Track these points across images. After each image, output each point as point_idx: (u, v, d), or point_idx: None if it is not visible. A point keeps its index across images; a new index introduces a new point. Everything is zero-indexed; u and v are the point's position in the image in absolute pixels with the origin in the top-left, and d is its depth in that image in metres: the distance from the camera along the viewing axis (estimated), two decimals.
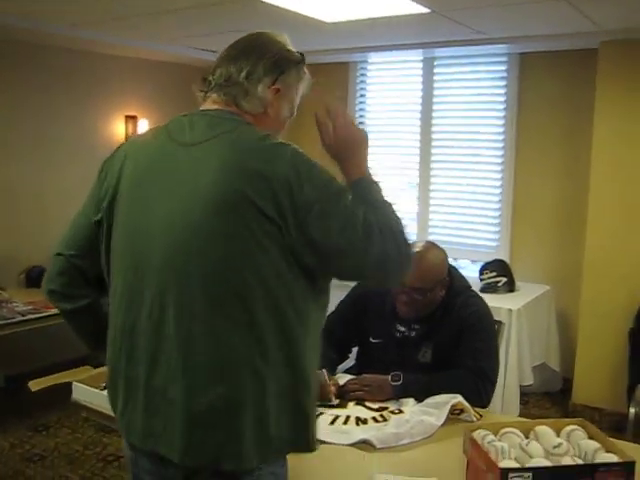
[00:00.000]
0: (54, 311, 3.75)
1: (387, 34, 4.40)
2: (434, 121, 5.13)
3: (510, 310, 3.99)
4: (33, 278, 4.36)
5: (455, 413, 2.15)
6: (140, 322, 1.41)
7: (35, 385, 2.37)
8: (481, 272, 4.45)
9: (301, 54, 1.58)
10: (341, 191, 1.41)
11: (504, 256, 4.82)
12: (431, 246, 2.53)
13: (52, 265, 1.59)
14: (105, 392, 2.15)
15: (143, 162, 1.49)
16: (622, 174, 4.10)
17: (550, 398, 4.55)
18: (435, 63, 5.07)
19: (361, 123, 5.48)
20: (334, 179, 1.43)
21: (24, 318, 3.66)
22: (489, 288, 4.33)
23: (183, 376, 1.34)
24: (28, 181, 4.67)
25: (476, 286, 4.45)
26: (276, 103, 1.53)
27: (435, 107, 5.11)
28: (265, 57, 1.51)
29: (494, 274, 4.39)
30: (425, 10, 3.56)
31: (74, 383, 2.26)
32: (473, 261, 5.12)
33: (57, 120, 4.80)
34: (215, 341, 1.33)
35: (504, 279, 4.38)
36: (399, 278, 1.52)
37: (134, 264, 1.44)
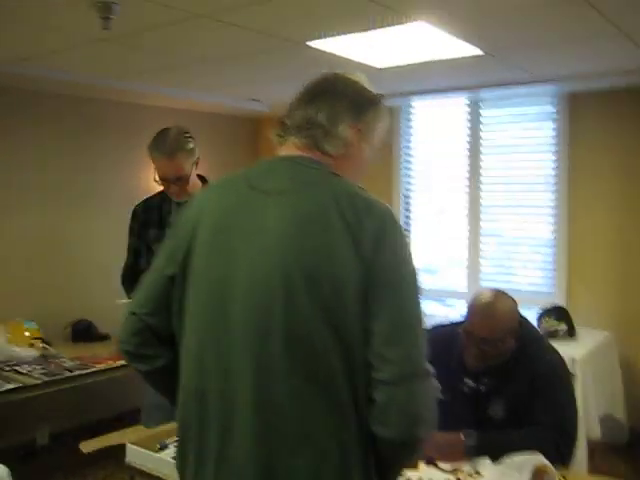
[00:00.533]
0: (101, 367, 3.69)
1: (435, 77, 4.34)
2: (482, 164, 5.00)
3: (574, 359, 3.78)
4: (79, 332, 4.31)
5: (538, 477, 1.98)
6: (213, 386, 1.30)
7: (87, 447, 2.26)
8: (539, 319, 4.26)
9: (379, 94, 1.51)
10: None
11: (559, 301, 4.63)
12: (500, 294, 2.39)
13: (126, 325, 1.51)
14: (161, 455, 2.05)
15: (221, 212, 1.42)
16: None
17: (616, 451, 4.28)
18: (481, 104, 4.98)
19: (407, 169, 5.40)
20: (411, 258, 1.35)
21: (71, 374, 3.57)
22: (549, 335, 4.12)
23: (261, 444, 1.22)
24: (75, 233, 4.66)
25: None
26: (357, 144, 1.47)
27: (483, 150, 4.99)
28: (344, 97, 1.47)
29: (554, 321, 4.20)
30: (479, 52, 3.49)
31: (128, 445, 2.14)
32: (528, 308, 4.93)
33: (107, 171, 4.84)
34: (300, 405, 1.22)
35: (564, 325, 4.18)
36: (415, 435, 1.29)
37: (212, 323, 1.35)
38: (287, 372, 1.23)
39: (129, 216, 3.06)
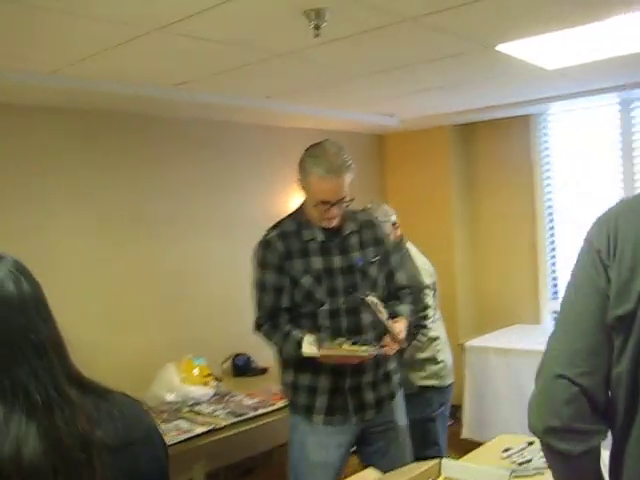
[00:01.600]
0: (280, 404, 3.42)
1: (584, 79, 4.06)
2: (636, 168, 4.70)
3: None
4: (240, 366, 4.13)
5: None
6: None
7: None
8: None
9: None
10: None
11: None
12: None
13: (551, 392, 1.26)
14: None
15: None
16: None
17: None
18: (632, 106, 4.68)
19: (547, 178, 5.13)
20: None
21: (256, 413, 3.35)
22: None
23: None
24: (219, 264, 4.49)
25: None
26: None
27: (637, 153, 4.69)
28: None
29: None
30: None
31: None
32: None
33: (240, 197, 4.67)
34: None
35: None
36: None
37: None
38: None
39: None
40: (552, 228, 5.16)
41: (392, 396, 2.67)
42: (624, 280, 1.20)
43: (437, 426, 3.34)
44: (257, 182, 4.78)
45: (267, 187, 4.79)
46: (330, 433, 2.55)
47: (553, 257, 5.17)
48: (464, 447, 3.20)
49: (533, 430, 1.29)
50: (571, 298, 1.31)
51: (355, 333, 2.51)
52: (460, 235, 5.43)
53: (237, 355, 4.18)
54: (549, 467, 1.37)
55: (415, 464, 2.51)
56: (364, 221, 2.67)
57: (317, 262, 2.51)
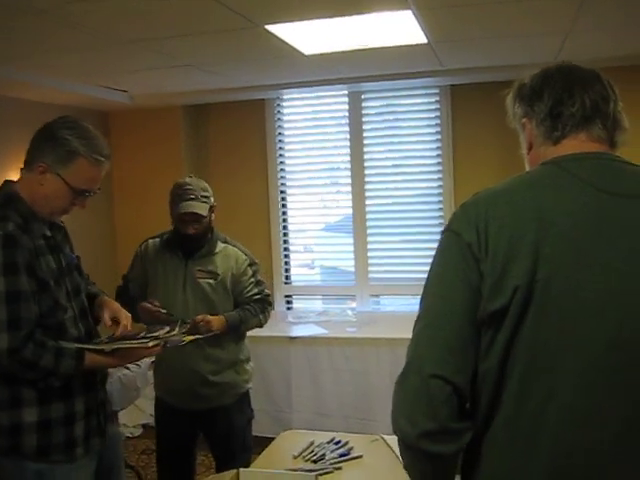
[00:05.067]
0: None
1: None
2: (366, 155, 4.97)
3: None
4: None
5: None
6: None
7: None
8: None
9: None
10: None
11: None
12: None
13: (425, 394, 1.18)
14: None
15: (570, 221, 1.19)
16: None
17: None
18: (363, 97, 4.93)
19: (281, 163, 5.18)
20: None
21: None
22: None
23: None
24: None
25: None
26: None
27: (366, 141, 4.96)
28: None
29: None
30: (424, 41, 3.42)
31: None
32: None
33: None
34: None
35: None
36: None
37: (606, 356, 1.14)
38: None
39: None
40: (285, 213, 5.23)
41: None
42: (498, 274, 1.18)
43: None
44: None
45: None
46: (89, 464, 2.15)
47: (286, 242, 5.26)
48: None
49: (403, 436, 1.21)
50: (440, 292, 1.25)
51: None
52: None
53: None
54: (409, 470, 1.30)
55: (215, 476, 2.32)
56: None
57: (51, 261, 2.06)
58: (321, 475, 2.21)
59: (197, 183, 2.88)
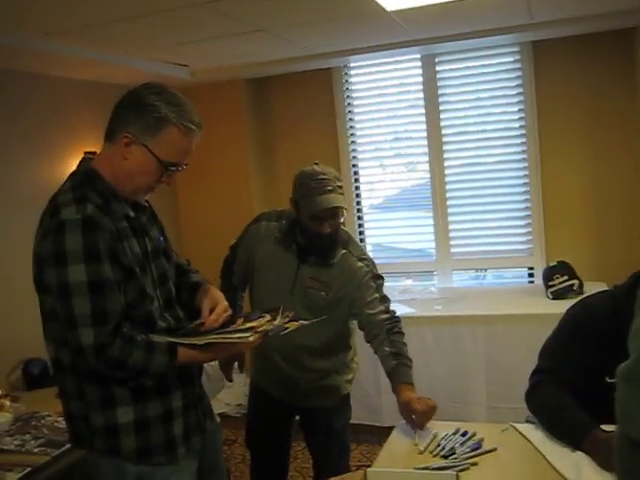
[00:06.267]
0: None
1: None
2: (443, 123, 4.66)
3: None
4: (35, 376, 3.25)
5: None
6: None
7: None
8: (549, 278, 4.05)
9: None
10: None
11: (540, 259, 4.49)
12: None
13: None
14: None
15: None
16: None
17: None
18: (437, 60, 4.61)
19: (352, 135, 4.91)
20: None
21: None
22: (565, 293, 3.94)
23: None
24: None
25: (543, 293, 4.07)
26: None
27: (442, 107, 4.65)
28: None
29: (565, 278, 4.00)
30: None
31: None
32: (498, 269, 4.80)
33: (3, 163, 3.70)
34: None
35: (576, 281, 4.01)
36: None
37: None
38: None
39: None
40: (358, 188, 4.98)
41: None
42: None
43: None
44: (28, 143, 3.84)
45: (39, 150, 3.89)
46: (190, 464, 1.96)
47: (360, 219, 5.00)
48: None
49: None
50: None
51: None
52: (258, 192, 5.01)
53: (29, 361, 3.30)
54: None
55: (339, 477, 2.09)
56: None
57: (135, 246, 1.83)
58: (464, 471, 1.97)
59: (331, 172, 2.45)
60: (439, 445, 2.15)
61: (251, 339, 1.83)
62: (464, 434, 2.21)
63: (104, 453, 1.83)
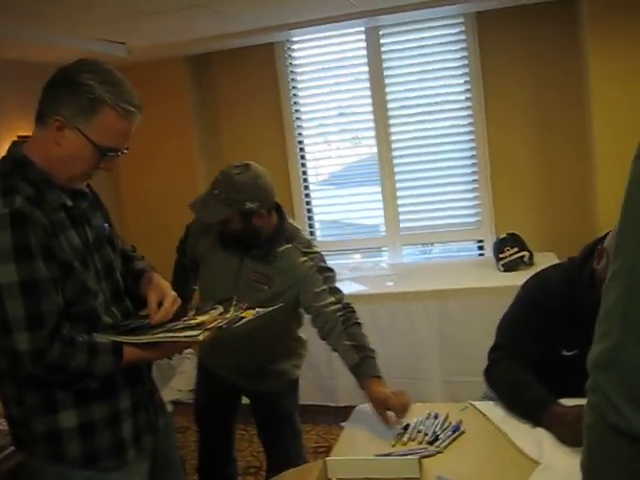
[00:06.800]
0: None
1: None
2: (388, 97, 4.60)
3: None
4: None
5: None
6: None
7: None
8: (500, 250, 4.06)
9: None
10: None
11: (489, 232, 4.51)
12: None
13: None
14: None
15: None
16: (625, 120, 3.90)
17: None
18: (381, 33, 4.53)
19: (296, 111, 4.80)
20: None
21: None
22: (516, 265, 3.96)
23: None
24: None
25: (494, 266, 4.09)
26: None
27: (387, 81, 4.58)
28: None
29: (516, 250, 4.02)
30: None
31: None
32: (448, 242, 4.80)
33: None
34: None
35: (527, 253, 4.03)
36: None
37: None
38: None
39: None
40: (304, 165, 4.89)
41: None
42: None
43: None
44: None
45: None
46: (141, 466, 1.87)
47: (307, 196, 4.92)
48: None
49: (630, 427, 0.94)
50: None
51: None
52: (203, 173, 4.86)
53: None
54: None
55: (297, 469, 2.02)
56: None
57: (74, 237, 1.70)
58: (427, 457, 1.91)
59: (233, 178, 2.36)
60: (420, 431, 2.08)
61: (200, 337, 1.72)
62: (436, 416, 2.15)
63: (47, 459, 1.72)
